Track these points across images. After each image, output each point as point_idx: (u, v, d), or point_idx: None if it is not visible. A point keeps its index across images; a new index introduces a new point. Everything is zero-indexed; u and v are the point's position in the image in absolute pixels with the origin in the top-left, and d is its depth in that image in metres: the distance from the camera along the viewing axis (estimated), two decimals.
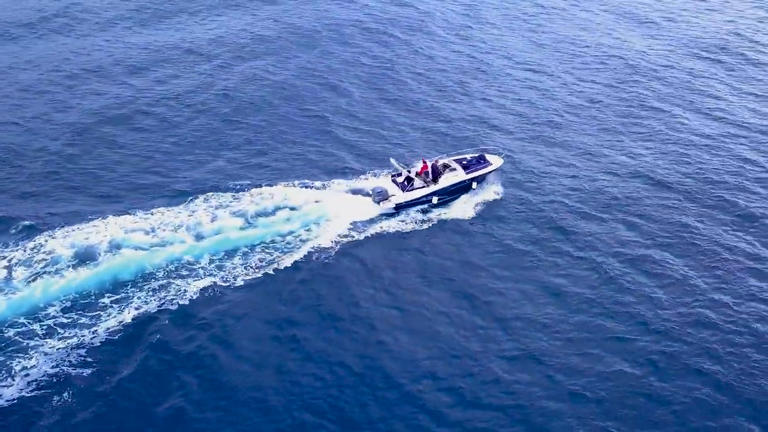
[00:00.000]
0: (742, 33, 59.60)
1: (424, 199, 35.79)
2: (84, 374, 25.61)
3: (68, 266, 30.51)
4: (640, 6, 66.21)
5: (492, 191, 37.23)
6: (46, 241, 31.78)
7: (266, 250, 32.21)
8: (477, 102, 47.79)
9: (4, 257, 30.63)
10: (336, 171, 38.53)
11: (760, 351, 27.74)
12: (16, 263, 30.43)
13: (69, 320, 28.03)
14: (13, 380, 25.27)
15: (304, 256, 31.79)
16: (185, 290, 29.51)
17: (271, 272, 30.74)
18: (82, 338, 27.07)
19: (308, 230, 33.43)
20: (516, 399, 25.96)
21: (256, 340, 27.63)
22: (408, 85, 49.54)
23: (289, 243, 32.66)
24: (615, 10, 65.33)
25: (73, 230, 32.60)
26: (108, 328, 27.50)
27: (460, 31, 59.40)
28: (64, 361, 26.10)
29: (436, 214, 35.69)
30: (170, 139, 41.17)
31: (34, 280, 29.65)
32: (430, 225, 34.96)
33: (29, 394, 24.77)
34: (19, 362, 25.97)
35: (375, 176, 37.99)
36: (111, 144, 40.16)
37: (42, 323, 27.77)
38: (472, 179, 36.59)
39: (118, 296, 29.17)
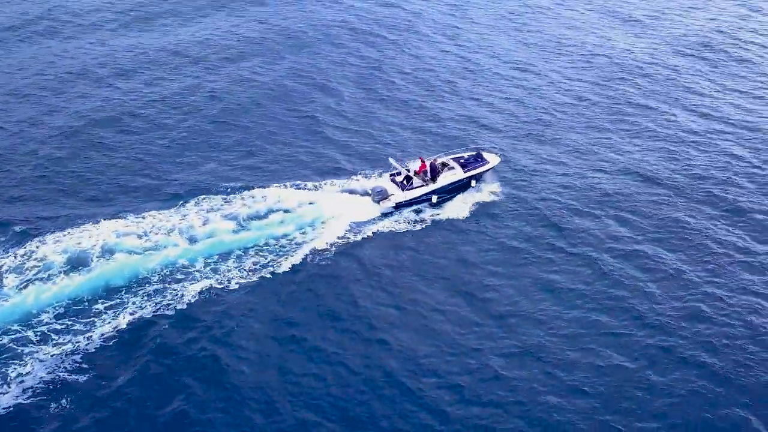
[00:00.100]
0: (725, 30, 60.40)
1: (424, 197, 35.89)
2: (83, 380, 25.33)
3: (60, 272, 30.13)
4: (625, 5, 66.85)
5: (488, 190, 37.40)
6: (37, 247, 31.36)
7: (262, 253, 32.03)
8: (466, 101, 47.96)
9: None
10: (328, 171, 38.48)
11: (755, 343, 28.12)
12: (7, 270, 30.03)
13: (62, 326, 27.66)
14: (9, 387, 24.92)
15: (301, 257, 31.70)
16: (182, 294, 29.27)
17: (269, 274, 30.62)
18: (77, 344, 26.73)
19: (304, 232, 33.32)
20: (516, 395, 26.06)
21: (255, 341, 27.50)
22: (396, 84, 49.60)
23: (284, 245, 32.54)
24: (599, 9, 65.90)
25: (64, 235, 32.21)
26: (104, 333, 27.23)
27: (446, 30, 59.59)
28: (60, 367, 25.78)
29: (431, 213, 35.76)
30: (160, 141, 40.87)
31: (25, 287, 29.24)
32: (425, 224, 35.01)
33: (27, 401, 24.45)
34: (15, 369, 25.62)
35: (366, 177, 37.99)
36: (100, 147, 39.78)
37: (36, 330, 27.40)
38: (471, 177, 36.78)
39: (113, 301, 28.86)
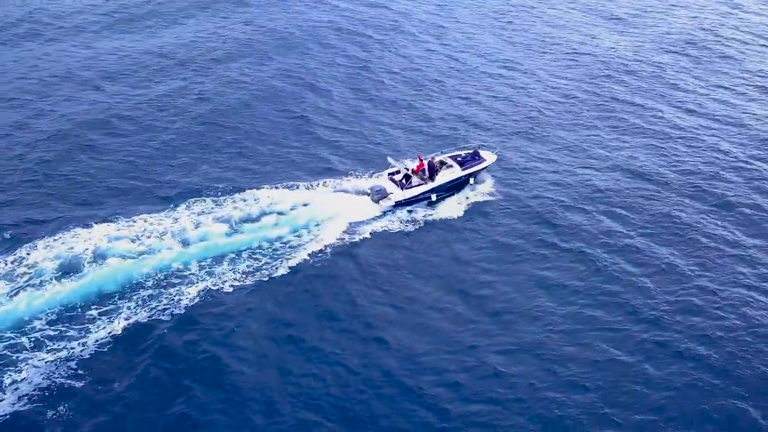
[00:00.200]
0: (707, 28, 61.20)
1: (423, 196, 35.97)
2: (80, 385, 25.00)
3: (52, 278, 29.70)
4: (607, 3, 67.49)
5: (480, 188, 37.56)
6: (28, 253, 30.94)
7: (257, 256, 31.81)
8: (454, 100, 48.12)
9: None
10: (320, 172, 38.39)
11: (749, 334, 28.49)
12: None
13: (56, 332, 27.27)
14: (5, 394, 24.54)
15: (297, 258, 31.56)
16: (178, 297, 29.00)
17: (265, 276, 30.45)
18: (71, 351, 26.38)
19: (299, 235, 33.14)
20: (515, 392, 26.16)
21: (254, 342, 27.35)
22: (385, 84, 49.64)
23: (279, 247, 32.36)
24: (582, 8, 66.49)
25: (55, 240, 31.80)
26: (100, 338, 26.91)
27: (432, 30, 59.76)
28: (56, 373, 25.44)
29: (424, 213, 35.80)
30: (149, 144, 40.51)
31: (16, 294, 28.78)
32: (420, 224, 35.04)
33: (24, 408, 24.10)
34: (10, 376, 25.23)
35: (357, 177, 37.93)
36: (89, 150, 39.36)
37: (29, 336, 27.01)
38: (469, 175, 36.93)
39: (107, 306, 28.52)
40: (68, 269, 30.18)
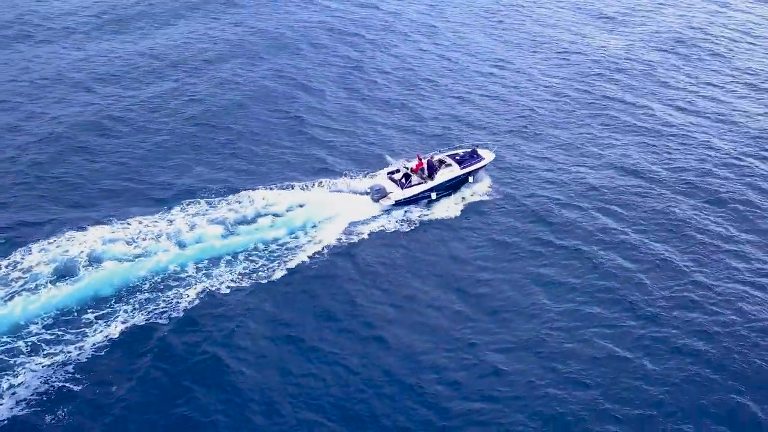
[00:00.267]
0: (696, 26, 61.72)
1: (423, 195, 36.02)
2: (79, 389, 24.79)
3: (48, 282, 29.39)
4: (596, 2, 67.86)
5: (476, 187, 37.63)
6: (23, 257, 30.58)
7: (254, 257, 31.63)
8: (447, 99, 48.21)
9: None
10: (315, 172, 38.32)
11: (746, 329, 28.75)
12: None
13: (53, 337, 26.98)
14: (2, 399, 24.29)
15: (295, 259, 31.46)
16: (176, 299, 28.79)
17: (263, 277, 30.33)
18: (68, 354, 26.11)
19: (295, 236, 33.01)
20: (514, 389, 26.23)
21: (254, 343, 27.26)
22: (378, 84, 49.65)
23: (276, 249, 32.23)
24: (571, 7, 66.84)
25: (50, 243, 31.50)
26: (97, 342, 26.69)
27: (424, 29, 59.84)
28: (54, 377, 25.16)
29: (421, 212, 35.82)
30: (142, 145, 40.27)
31: (11, 299, 28.49)
32: (417, 223, 35.05)
33: (22, 412, 23.87)
34: (7, 380, 24.98)
35: (352, 177, 37.88)
36: (81, 152, 39.04)
37: (26, 340, 26.75)
38: (468, 174, 37.02)
39: (105, 310, 28.27)
40: (64, 273, 29.89)
